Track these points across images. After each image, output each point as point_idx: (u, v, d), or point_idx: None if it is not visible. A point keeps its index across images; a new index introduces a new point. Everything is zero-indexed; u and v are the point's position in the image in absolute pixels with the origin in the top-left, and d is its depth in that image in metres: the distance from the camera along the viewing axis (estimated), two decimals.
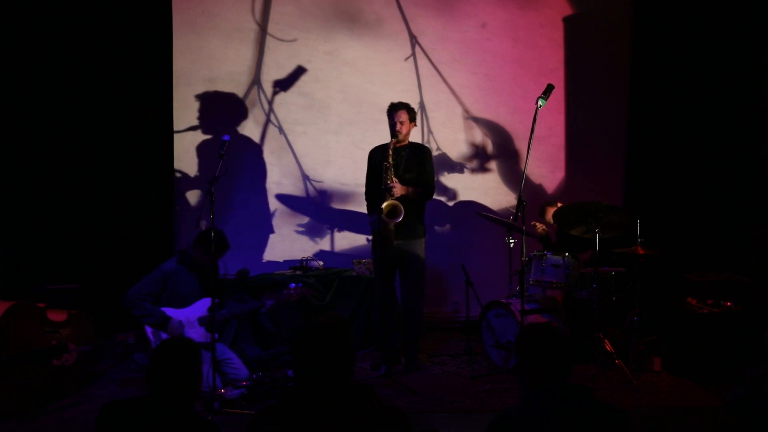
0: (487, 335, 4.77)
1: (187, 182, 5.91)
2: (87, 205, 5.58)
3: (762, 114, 5.80)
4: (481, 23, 6.04)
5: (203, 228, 4.60)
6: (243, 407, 3.87)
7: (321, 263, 5.59)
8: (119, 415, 2.09)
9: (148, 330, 4.20)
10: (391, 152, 4.53)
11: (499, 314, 4.70)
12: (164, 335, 4.21)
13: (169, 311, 4.24)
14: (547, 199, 5.71)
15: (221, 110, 5.93)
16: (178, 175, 5.87)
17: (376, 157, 4.73)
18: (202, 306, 4.30)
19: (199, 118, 5.90)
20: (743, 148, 5.80)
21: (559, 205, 5.12)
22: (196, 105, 5.89)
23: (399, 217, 4.42)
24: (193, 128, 5.88)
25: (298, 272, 5.40)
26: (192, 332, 4.25)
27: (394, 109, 4.64)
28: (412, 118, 4.68)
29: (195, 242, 4.38)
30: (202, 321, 4.28)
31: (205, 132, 5.90)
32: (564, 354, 2.02)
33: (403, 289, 4.74)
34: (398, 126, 4.58)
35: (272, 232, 5.97)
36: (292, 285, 4.41)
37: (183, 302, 4.30)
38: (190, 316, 4.29)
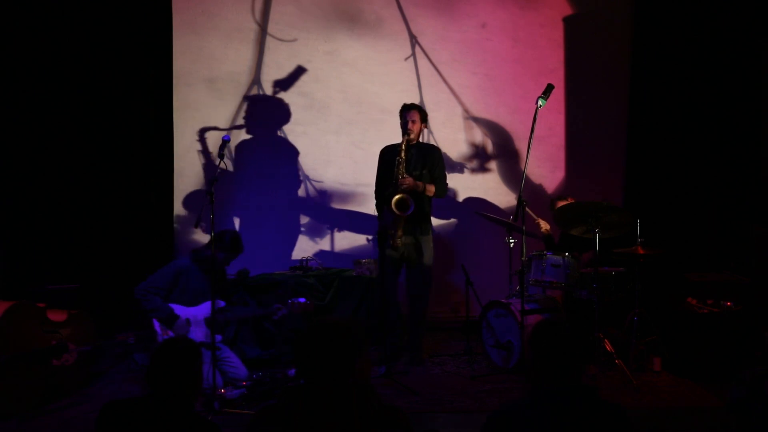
0: (487, 335, 4.78)
1: (187, 182, 5.90)
2: (87, 205, 5.58)
3: (762, 114, 5.80)
4: (481, 23, 6.03)
5: (203, 227, 4.64)
6: (243, 407, 3.87)
7: (321, 263, 5.59)
8: (119, 415, 2.09)
9: (156, 324, 4.22)
10: (404, 149, 4.63)
11: (499, 314, 4.70)
12: (170, 332, 4.22)
13: (177, 308, 4.25)
14: (558, 194, 5.69)
15: (221, 110, 5.92)
16: (181, 180, 5.87)
17: (387, 155, 4.82)
18: (208, 307, 4.30)
19: (200, 118, 5.90)
20: (743, 148, 5.80)
21: (570, 200, 5.12)
22: (196, 105, 5.89)
23: (408, 210, 4.53)
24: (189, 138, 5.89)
25: (298, 272, 5.39)
26: (197, 331, 4.27)
27: (407, 109, 4.76)
28: (424, 119, 4.81)
29: (210, 242, 4.38)
30: (208, 321, 4.28)
31: (205, 132, 5.90)
32: (576, 353, 2.00)
33: (410, 283, 4.81)
34: (410, 125, 4.70)
35: (285, 231, 5.98)
36: (302, 300, 4.41)
37: (192, 300, 4.31)
38: (197, 315, 4.30)
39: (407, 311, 4.96)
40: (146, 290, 4.22)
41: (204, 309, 4.32)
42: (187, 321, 4.24)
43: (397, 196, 4.55)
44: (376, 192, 4.93)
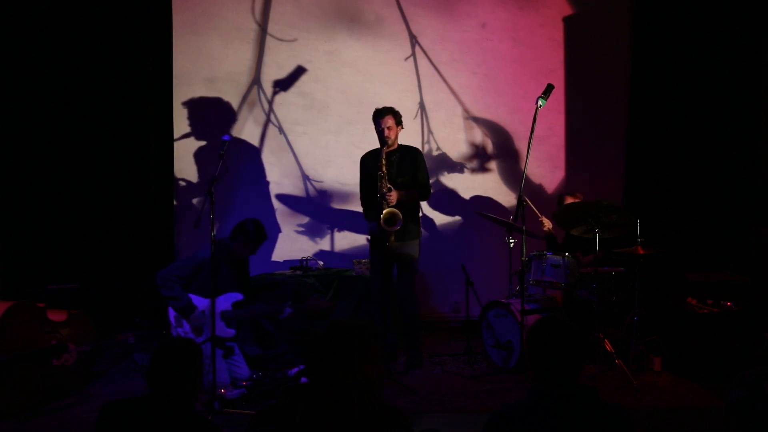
0: (487, 335, 4.78)
1: (187, 182, 5.90)
2: (87, 205, 5.58)
3: (762, 114, 5.80)
4: (481, 23, 6.03)
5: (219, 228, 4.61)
6: (243, 407, 3.87)
7: (321, 263, 5.58)
8: (119, 415, 2.09)
9: (171, 315, 4.22)
10: (384, 161, 4.55)
11: (499, 314, 4.70)
12: (186, 325, 4.21)
13: (195, 300, 4.22)
14: (567, 190, 5.67)
15: (221, 110, 5.93)
16: (181, 180, 5.87)
17: (368, 163, 4.77)
18: (227, 300, 4.31)
19: (199, 119, 5.90)
20: (743, 148, 5.80)
21: (579, 197, 5.12)
22: (196, 105, 5.89)
23: (398, 224, 4.47)
24: (189, 135, 5.88)
25: (298, 272, 5.39)
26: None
27: (379, 116, 4.63)
28: (399, 122, 4.68)
29: (232, 234, 4.38)
30: (224, 315, 4.27)
31: (204, 132, 5.90)
32: (574, 351, 1.99)
33: (398, 288, 4.79)
34: (386, 132, 4.59)
35: (279, 231, 5.98)
36: (323, 298, 4.39)
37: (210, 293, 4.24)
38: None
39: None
40: (167, 277, 4.19)
41: (221, 302, 4.29)
42: (203, 313, 4.21)
43: (385, 212, 4.47)
44: (362, 200, 4.91)
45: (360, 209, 5.80)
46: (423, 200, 4.83)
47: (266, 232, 4.44)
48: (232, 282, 4.39)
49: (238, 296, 4.37)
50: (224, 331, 4.25)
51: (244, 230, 4.36)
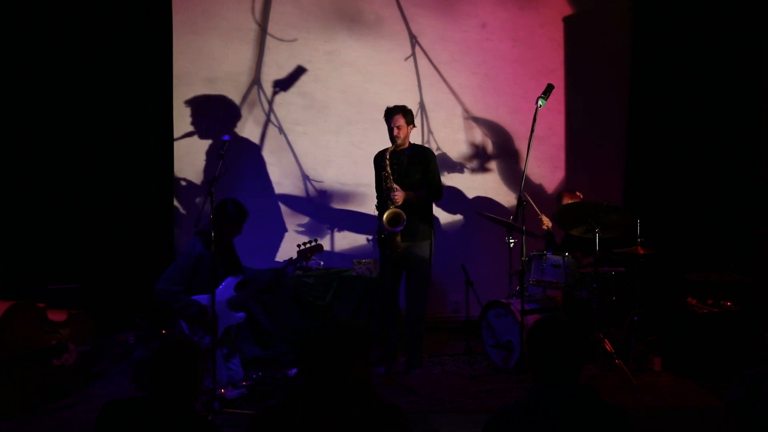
0: (487, 335, 4.78)
1: (187, 182, 5.90)
2: (87, 205, 5.57)
3: (762, 114, 5.80)
4: (481, 23, 6.03)
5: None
6: (243, 407, 3.87)
7: (321, 263, 5.58)
8: (119, 415, 2.09)
9: (183, 325, 4.14)
10: (387, 160, 4.54)
11: (499, 314, 4.70)
12: (200, 331, 4.15)
13: (201, 299, 4.13)
14: (566, 188, 5.67)
15: (221, 110, 5.93)
16: (181, 180, 5.87)
17: (379, 162, 4.75)
18: (228, 287, 4.28)
19: (199, 118, 5.90)
20: (743, 148, 5.80)
21: (579, 195, 5.12)
22: (196, 105, 5.89)
23: (401, 225, 4.45)
24: (190, 134, 5.88)
25: (298, 272, 5.37)
26: (225, 320, 4.22)
27: (389, 115, 4.63)
28: (410, 121, 4.66)
29: (214, 218, 4.20)
30: (231, 304, 4.26)
31: (204, 132, 5.90)
32: (574, 351, 1.99)
33: (407, 289, 4.79)
34: (395, 131, 4.59)
35: (286, 230, 5.98)
36: (310, 243, 4.39)
37: (209, 285, 4.13)
38: (219, 299, 4.14)
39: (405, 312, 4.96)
40: (169, 289, 4.07)
41: (225, 290, 4.27)
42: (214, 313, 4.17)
43: (388, 212, 4.45)
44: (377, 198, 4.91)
45: (360, 209, 5.85)
46: (434, 200, 4.79)
47: (246, 208, 4.34)
48: (225, 268, 4.33)
49: (238, 278, 4.33)
50: (234, 318, 4.26)
51: (225, 212, 4.21)
